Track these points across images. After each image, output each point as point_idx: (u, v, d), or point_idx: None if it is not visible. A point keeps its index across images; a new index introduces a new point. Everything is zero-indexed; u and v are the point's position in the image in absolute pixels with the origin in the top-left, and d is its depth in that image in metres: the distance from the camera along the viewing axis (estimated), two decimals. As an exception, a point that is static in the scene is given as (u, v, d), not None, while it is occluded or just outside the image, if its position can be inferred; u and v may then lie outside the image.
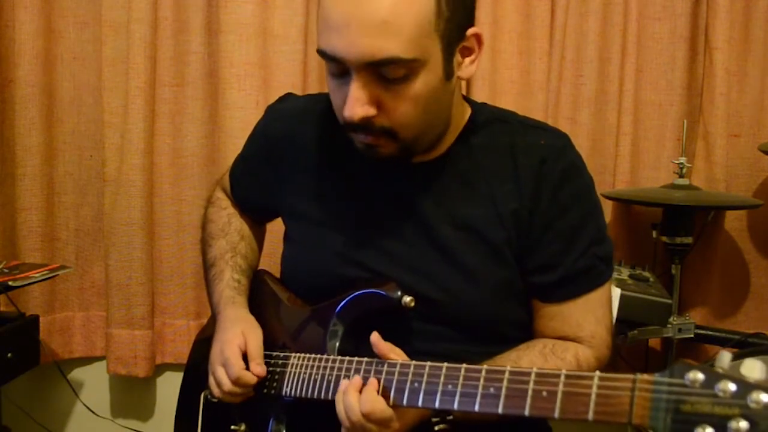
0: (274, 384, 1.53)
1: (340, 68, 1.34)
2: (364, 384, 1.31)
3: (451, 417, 1.35)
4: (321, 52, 1.35)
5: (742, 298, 2.88)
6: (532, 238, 1.47)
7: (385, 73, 1.31)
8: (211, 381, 1.57)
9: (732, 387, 0.86)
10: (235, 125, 2.66)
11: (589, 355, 1.48)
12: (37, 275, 2.39)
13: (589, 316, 1.49)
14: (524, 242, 1.47)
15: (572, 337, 1.48)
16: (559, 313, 1.49)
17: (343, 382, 1.34)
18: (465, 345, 1.48)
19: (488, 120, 1.55)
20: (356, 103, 1.32)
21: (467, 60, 1.43)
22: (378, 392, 1.28)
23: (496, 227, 1.47)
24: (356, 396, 1.29)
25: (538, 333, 1.53)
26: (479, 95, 2.71)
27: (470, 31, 1.40)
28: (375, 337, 1.35)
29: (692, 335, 2.53)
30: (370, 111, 1.33)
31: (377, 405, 1.26)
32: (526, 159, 1.47)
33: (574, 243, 1.47)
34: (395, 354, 1.33)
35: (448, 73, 1.39)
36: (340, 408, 1.31)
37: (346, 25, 1.28)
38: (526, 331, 1.54)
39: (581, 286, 1.49)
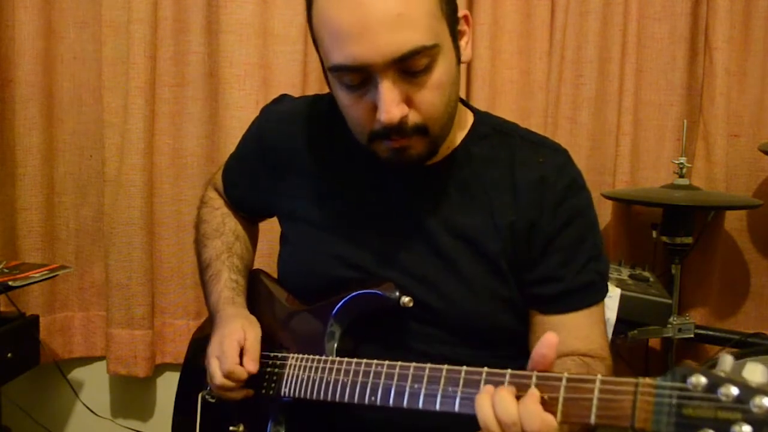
0: (273, 385, 1.53)
1: (359, 77, 1.32)
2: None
3: None
4: (338, 67, 1.32)
5: (742, 298, 2.88)
6: (532, 252, 1.46)
7: (410, 67, 1.29)
8: (208, 374, 1.57)
9: (735, 391, 0.86)
10: (235, 125, 2.65)
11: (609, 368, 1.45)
12: (37, 275, 2.39)
13: (596, 330, 1.49)
14: (523, 255, 1.46)
15: (584, 351, 1.46)
16: (564, 326, 1.46)
17: (488, 386, 1.15)
18: (462, 348, 1.47)
19: (490, 131, 1.55)
20: (392, 104, 1.29)
21: (463, 42, 1.43)
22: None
23: (491, 238, 1.46)
24: (514, 402, 1.10)
25: None
26: (479, 95, 2.71)
27: (460, 13, 1.41)
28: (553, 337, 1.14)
29: (692, 335, 2.53)
30: (405, 109, 1.31)
31: (548, 422, 1.08)
32: (525, 175, 1.47)
33: (574, 257, 1.46)
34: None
35: (458, 56, 1.40)
36: (487, 413, 1.12)
37: (363, 30, 1.26)
38: (522, 340, 1.53)
39: (582, 300, 1.48)
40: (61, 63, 2.71)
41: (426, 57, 1.29)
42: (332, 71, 1.35)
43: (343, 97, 1.39)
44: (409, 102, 1.32)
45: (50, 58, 2.68)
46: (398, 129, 1.33)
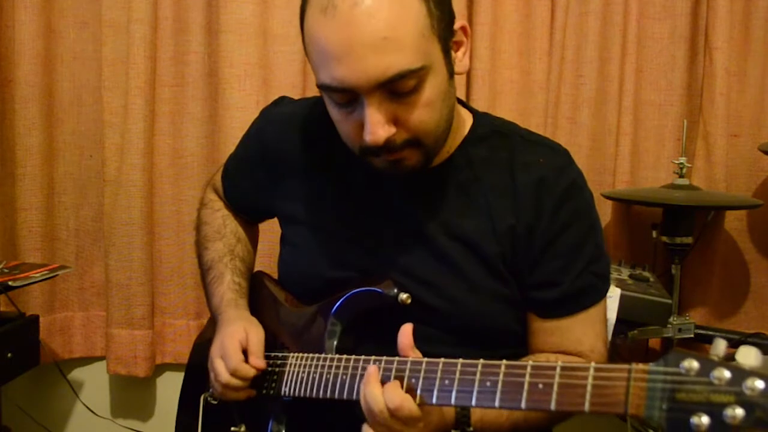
0: (273, 384, 1.53)
1: (346, 97, 1.32)
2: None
3: (471, 429, 1.35)
4: (325, 87, 1.32)
5: (742, 298, 2.88)
6: (531, 255, 1.46)
7: (397, 89, 1.29)
8: (211, 375, 1.57)
9: (727, 374, 0.86)
10: (235, 125, 2.65)
11: None
12: (37, 275, 2.40)
13: (589, 331, 1.49)
14: (523, 259, 1.46)
15: (573, 353, 1.48)
16: (558, 328, 1.49)
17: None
18: (462, 349, 1.45)
19: (489, 132, 1.54)
20: (377, 126, 1.29)
21: (460, 54, 1.42)
22: (403, 389, 1.24)
23: (490, 241, 1.46)
24: (378, 387, 1.24)
25: (536, 350, 1.52)
26: (479, 95, 2.71)
27: (457, 25, 1.40)
28: (408, 328, 1.30)
29: (692, 335, 2.52)
30: (391, 130, 1.31)
31: (406, 402, 1.21)
32: (525, 176, 1.47)
33: (574, 261, 1.46)
34: (414, 353, 1.29)
35: (450, 71, 1.39)
36: (363, 402, 1.26)
37: (348, 52, 1.25)
38: (521, 340, 1.54)
39: (580, 304, 1.48)
40: (61, 63, 2.71)
41: (413, 79, 1.29)
42: (320, 89, 1.36)
43: (333, 113, 1.40)
44: (396, 121, 1.32)
45: (50, 58, 2.69)
46: (386, 148, 1.33)
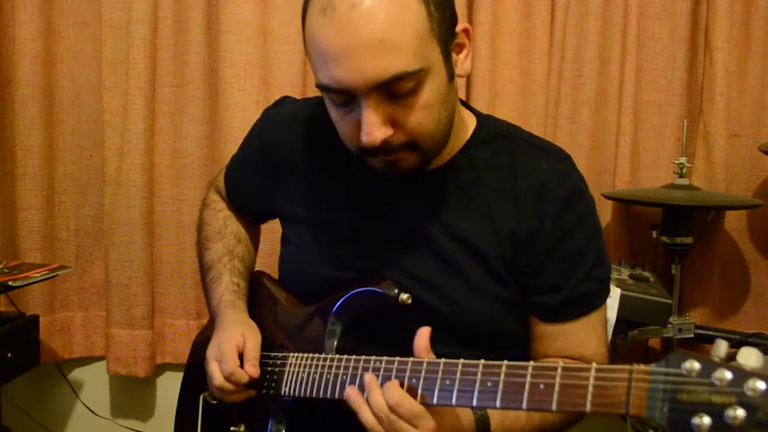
0: (273, 384, 1.53)
1: (344, 98, 1.32)
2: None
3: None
4: (324, 87, 1.33)
5: (742, 298, 2.88)
6: (533, 259, 1.46)
7: (395, 90, 1.29)
8: (207, 376, 1.57)
9: (728, 375, 0.86)
10: (235, 125, 2.66)
11: None
12: (37, 275, 2.40)
13: (592, 335, 1.50)
14: (524, 263, 1.46)
15: (577, 357, 1.48)
16: (562, 333, 1.49)
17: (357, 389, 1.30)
18: (462, 350, 1.45)
19: (492, 135, 1.54)
20: (374, 128, 1.30)
21: (461, 56, 1.42)
22: (403, 389, 1.25)
23: (491, 244, 1.46)
24: (379, 392, 1.25)
25: (540, 355, 1.52)
26: (479, 95, 2.71)
27: (459, 27, 1.40)
28: (425, 331, 1.31)
29: (692, 335, 2.53)
30: (388, 132, 1.31)
31: (405, 399, 1.22)
32: (527, 180, 1.47)
33: (576, 266, 1.46)
34: (429, 356, 1.30)
35: (450, 74, 1.39)
36: (366, 414, 1.26)
37: (346, 54, 1.26)
38: (521, 343, 1.54)
39: (582, 308, 1.48)
40: (61, 63, 2.71)
41: (411, 81, 1.29)
42: (319, 89, 1.36)
43: (332, 113, 1.40)
44: (394, 123, 1.32)
45: (50, 58, 2.69)
46: (383, 149, 1.33)
